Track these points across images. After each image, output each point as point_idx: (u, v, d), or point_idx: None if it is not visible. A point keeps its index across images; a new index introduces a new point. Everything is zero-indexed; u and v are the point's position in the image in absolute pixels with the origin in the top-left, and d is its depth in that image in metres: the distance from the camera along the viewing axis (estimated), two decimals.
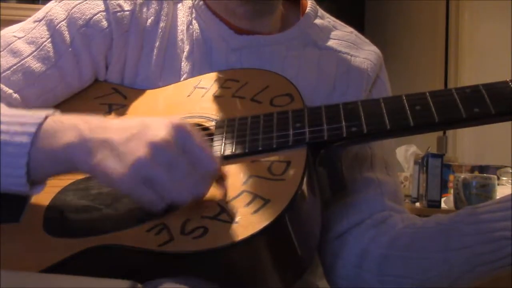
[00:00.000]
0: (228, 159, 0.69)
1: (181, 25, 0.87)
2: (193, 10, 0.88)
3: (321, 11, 0.95)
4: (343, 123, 0.70)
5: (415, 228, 0.79)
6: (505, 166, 2.38)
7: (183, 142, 0.61)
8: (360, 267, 0.81)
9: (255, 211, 0.61)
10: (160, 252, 0.60)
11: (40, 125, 0.63)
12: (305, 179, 0.65)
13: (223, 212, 0.62)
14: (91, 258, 0.63)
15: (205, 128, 0.76)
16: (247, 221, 0.60)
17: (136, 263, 0.62)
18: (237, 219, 0.61)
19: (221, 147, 0.71)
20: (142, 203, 0.61)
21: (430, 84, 3.35)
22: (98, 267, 0.62)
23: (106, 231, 0.64)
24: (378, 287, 0.79)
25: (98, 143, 0.61)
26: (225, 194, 0.65)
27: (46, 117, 0.63)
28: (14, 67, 0.78)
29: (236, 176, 0.67)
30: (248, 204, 0.63)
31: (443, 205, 2.13)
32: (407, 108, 0.69)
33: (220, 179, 0.66)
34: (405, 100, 0.70)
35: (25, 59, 0.79)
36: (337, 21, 0.96)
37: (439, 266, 0.74)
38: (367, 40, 0.96)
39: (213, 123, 0.76)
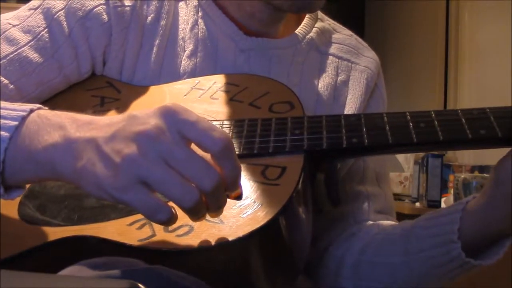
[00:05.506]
0: None
1: (183, 24, 0.84)
2: (200, 9, 0.85)
3: (320, 13, 0.94)
4: (344, 133, 0.68)
5: (384, 234, 0.82)
6: None
7: (179, 125, 0.50)
8: (338, 275, 0.84)
9: (245, 214, 0.59)
10: (140, 248, 0.56)
11: (23, 119, 0.55)
12: (300, 186, 0.62)
13: None
14: (66, 248, 0.60)
15: None
16: (236, 223, 0.58)
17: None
18: (225, 220, 0.58)
19: None
20: (144, 212, 0.51)
21: (430, 84, 3.35)
22: (73, 259, 0.56)
23: (84, 222, 0.61)
24: None
25: (84, 143, 0.52)
26: None
27: (30, 111, 0.56)
28: (11, 55, 0.74)
29: None
30: (238, 206, 0.60)
31: (443, 205, 2.13)
32: (411, 124, 0.67)
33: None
34: (408, 117, 0.69)
35: (22, 48, 0.75)
36: (336, 23, 0.95)
37: (401, 270, 0.77)
38: (366, 45, 0.96)
39: None
